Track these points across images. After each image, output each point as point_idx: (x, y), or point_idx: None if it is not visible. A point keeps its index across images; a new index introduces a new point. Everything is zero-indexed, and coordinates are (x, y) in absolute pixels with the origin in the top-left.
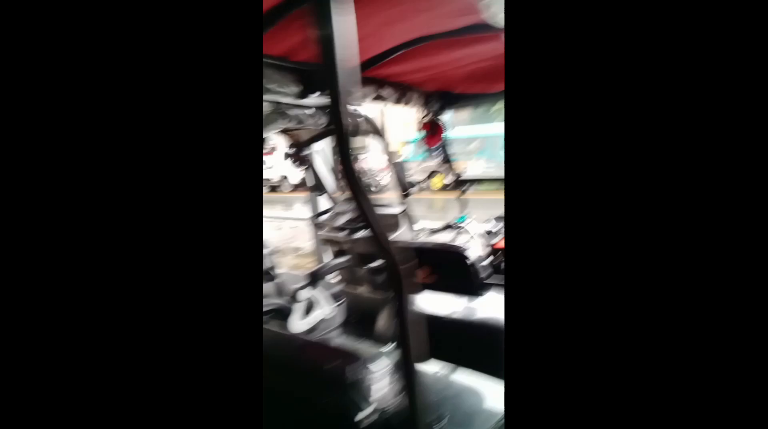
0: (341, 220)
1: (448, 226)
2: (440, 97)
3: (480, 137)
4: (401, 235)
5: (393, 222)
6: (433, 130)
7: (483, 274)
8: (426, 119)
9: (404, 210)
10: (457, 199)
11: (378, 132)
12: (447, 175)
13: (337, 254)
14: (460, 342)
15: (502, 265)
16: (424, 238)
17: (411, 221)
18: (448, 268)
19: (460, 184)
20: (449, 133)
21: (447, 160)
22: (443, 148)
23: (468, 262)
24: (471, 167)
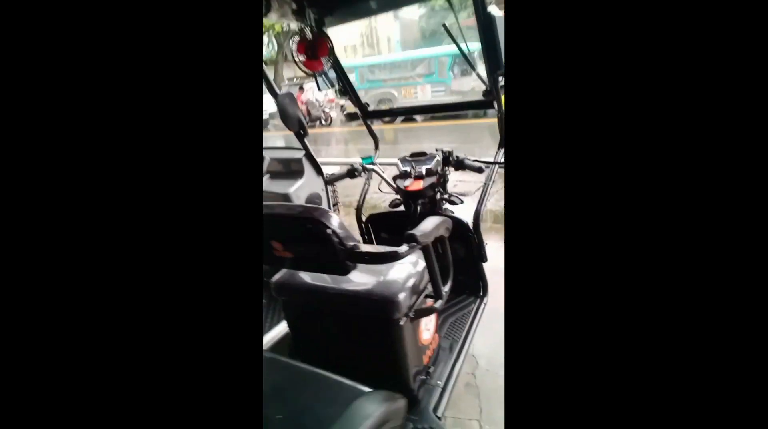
0: None
1: (352, 170)
2: (317, 3)
3: (427, 58)
4: (306, 183)
5: (296, 169)
6: (311, 50)
7: (348, 245)
8: (302, 35)
9: (306, 153)
10: (369, 134)
11: None
12: (341, 108)
13: None
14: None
15: (418, 209)
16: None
17: (316, 165)
18: (305, 241)
19: (369, 116)
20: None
21: (345, 89)
22: (336, 74)
23: (327, 232)
24: (419, 93)
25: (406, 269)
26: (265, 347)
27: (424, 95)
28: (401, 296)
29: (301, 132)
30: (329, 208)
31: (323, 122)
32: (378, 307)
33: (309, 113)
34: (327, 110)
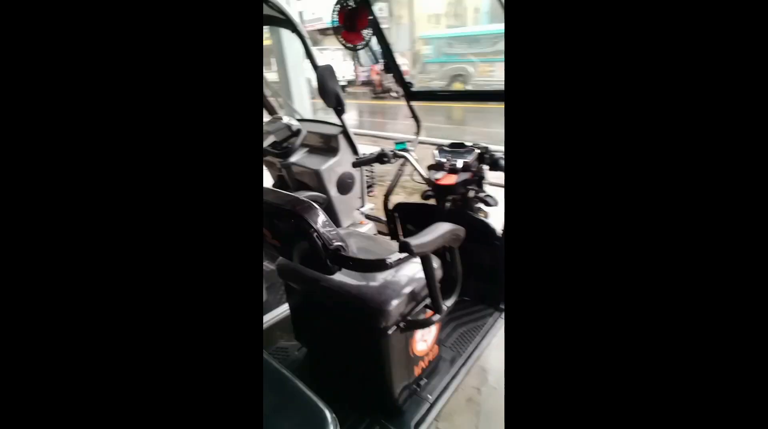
0: (268, 141)
1: (382, 154)
2: None
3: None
4: (339, 162)
5: (332, 145)
6: (350, 21)
7: (331, 247)
8: (343, 4)
9: (343, 130)
10: (413, 116)
11: (290, 22)
12: (388, 85)
13: (278, 180)
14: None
15: (447, 204)
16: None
17: (352, 144)
18: (292, 232)
19: (412, 96)
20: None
21: (388, 66)
22: (381, 49)
23: (311, 229)
24: (495, 72)
25: (410, 272)
26: (270, 323)
27: (501, 74)
28: (393, 304)
29: (339, 108)
30: (363, 189)
31: (393, 95)
32: (365, 313)
33: (381, 84)
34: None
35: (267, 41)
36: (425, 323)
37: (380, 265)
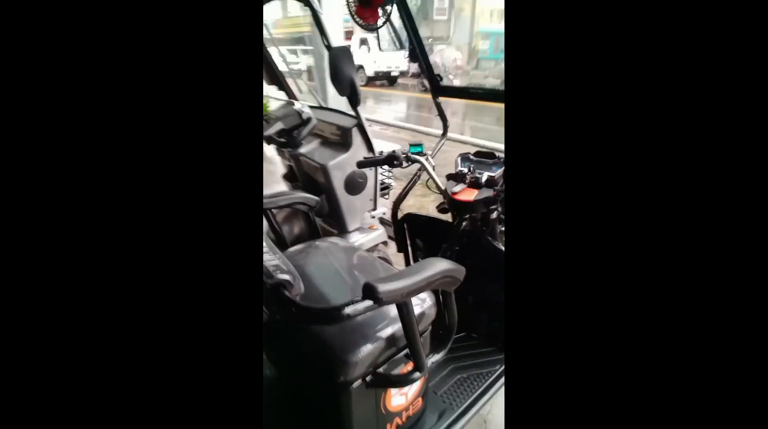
0: (275, 128)
1: (392, 157)
2: None
3: None
4: (350, 158)
5: (345, 139)
6: None
7: (270, 282)
8: None
9: (358, 123)
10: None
11: None
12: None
13: (288, 171)
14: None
15: (463, 224)
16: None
17: (367, 139)
18: None
19: (440, 92)
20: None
21: (414, 54)
22: (407, 33)
23: None
24: None
25: (394, 308)
26: None
27: None
28: (360, 353)
29: (353, 97)
30: (375, 191)
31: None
32: (320, 361)
33: None
34: (451, 77)
35: (308, 28)
36: (400, 381)
37: (330, 316)
